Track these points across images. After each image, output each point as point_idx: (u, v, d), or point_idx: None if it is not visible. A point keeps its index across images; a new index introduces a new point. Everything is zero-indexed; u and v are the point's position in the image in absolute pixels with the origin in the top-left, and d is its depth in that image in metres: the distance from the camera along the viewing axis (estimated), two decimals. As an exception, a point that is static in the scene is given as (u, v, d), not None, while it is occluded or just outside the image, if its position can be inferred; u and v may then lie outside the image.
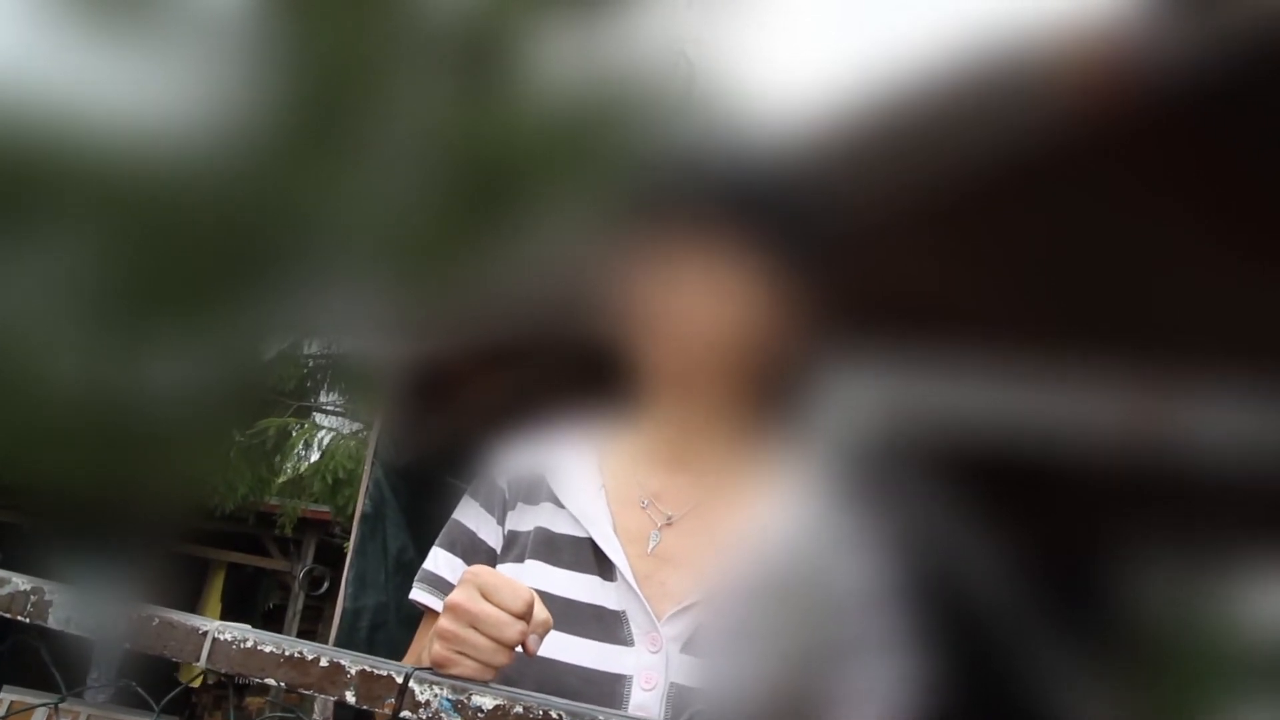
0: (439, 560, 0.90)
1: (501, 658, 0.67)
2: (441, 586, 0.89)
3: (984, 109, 0.82)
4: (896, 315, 0.81)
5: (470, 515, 0.91)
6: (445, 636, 0.67)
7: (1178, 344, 0.82)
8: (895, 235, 0.84)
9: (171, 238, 0.95)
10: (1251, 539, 0.86)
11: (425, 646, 0.74)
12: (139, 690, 0.66)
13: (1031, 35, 0.81)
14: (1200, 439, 0.79)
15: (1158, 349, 0.83)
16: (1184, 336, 0.84)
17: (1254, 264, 0.86)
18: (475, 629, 0.67)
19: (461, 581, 0.70)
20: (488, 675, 0.67)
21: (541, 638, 0.69)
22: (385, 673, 0.59)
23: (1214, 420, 0.79)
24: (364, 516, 2.74)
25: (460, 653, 0.67)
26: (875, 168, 0.85)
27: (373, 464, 2.79)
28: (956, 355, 0.82)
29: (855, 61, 0.88)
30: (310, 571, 7.05)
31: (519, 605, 0.68)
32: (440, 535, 0.92)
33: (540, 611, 0.69)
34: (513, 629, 0.67)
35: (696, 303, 0.81)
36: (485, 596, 0.68)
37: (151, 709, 0.66)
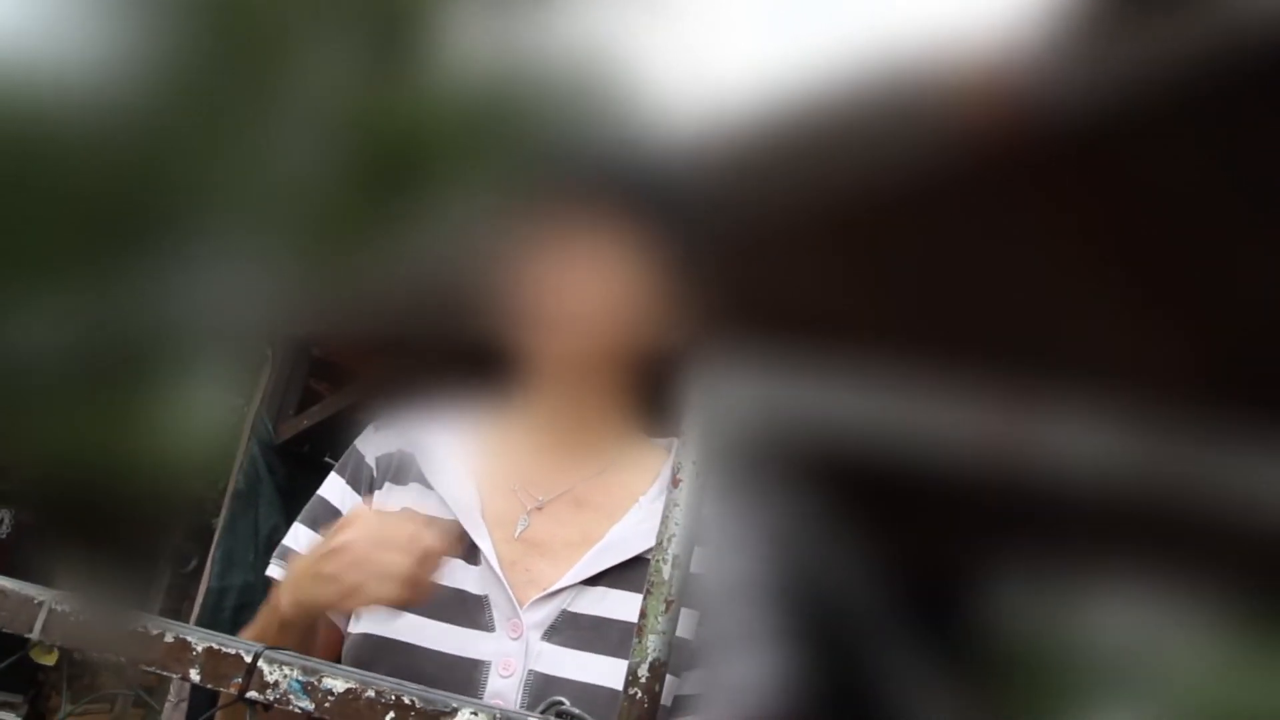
0: (300, 537, 0.88)
1: (420, 568, 0.69)
2: None
3: (880, 126, 0.84)
4: (779, 319, 0.83)
5: (335, 492, 0.89)
6: (345, 553, 0.68)
7: (1048, 364, 0.86)
8: (783, 241, 0.85)
9: (45, 191, 0.91)
10: (1104, 554, 0.90)
11: (306, 586, 0.74)
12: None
13: (932, 59, 0.83)
14: (1061, 457, 0.83)
15: (1028, 368, 0.86)
16: (1054, 357, 0.87)
17: (1125, 288, 0.90)
18: (382, 549, 0.69)
19: (342, 523, 0.70)
20: (401, 595, 0.68)
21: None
22: (233, 651, 0.57)
23: (1075, 439, 0.83)
24: (236, 494, 2.67)
25: (371, 573, 0.68)
26: (770, 173, 0.86)
27: (249, 441, 2.71)
28: (837, 364, 0.84)
29: (763, 68, 0.89)
30: (176, 548, 6.80)
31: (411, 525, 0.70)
32: (303, 511, 0.90)
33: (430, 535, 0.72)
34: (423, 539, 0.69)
35: (577, 291, 0.81)
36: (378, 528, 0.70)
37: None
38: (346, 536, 0.70)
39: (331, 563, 0.70)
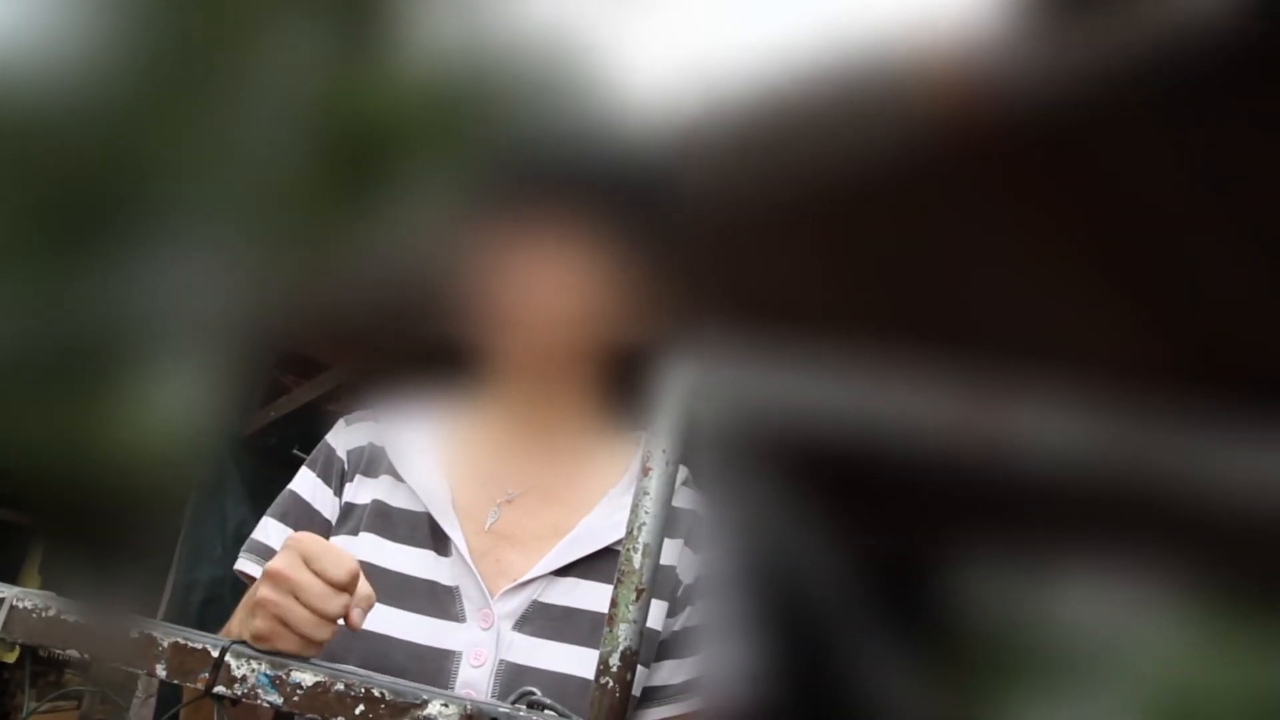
0: (269, 531, 0.87)
1: (324, 632, 0.64)
2: (271, 558, 0.86)
3: (846, 116, 0.85)
4: (749, 310, 0.83)
5: (305, 485, 0.89)
6: (266, 605, 0.64)
7: (1014, 353, 0.87)
8: (747, 231, 0.85)
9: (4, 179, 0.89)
10: (1077, 543, 0.91)
11: (242, 618, 0.71)
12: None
13: (895, 47, 0.83)
14: (1034, 447, 0.84)
15: (994, 357, 0.87)
16: (1020, 346, 0.88)
17: (1095, 279, 0.91)
18: (296, 599, 0.64)
19: (284, 547, 0.67)
20: (311, 651, 0.64)
21: (366, 612, 0.67)
22: (200, 646, 0.57)
23: (1048, 429, 0.84)
24: (202, 487, 2.63)
25: (283, 623, 0.64)
26: (736, 164, 0.86)
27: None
28: (804, 354, 0.85)
29: (729, 59, 0.89)
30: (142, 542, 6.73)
31: (342, 575, 0.65)
32: (273, 505, 0.89)
33: (364, 586, 0.67)
34: (335, 602, 0.64)
35: (542, 287, 0.81)
36: (307, 564, 0.65)
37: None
38: (275, 564, 0.66)
39: (263, 589, 0.65)
